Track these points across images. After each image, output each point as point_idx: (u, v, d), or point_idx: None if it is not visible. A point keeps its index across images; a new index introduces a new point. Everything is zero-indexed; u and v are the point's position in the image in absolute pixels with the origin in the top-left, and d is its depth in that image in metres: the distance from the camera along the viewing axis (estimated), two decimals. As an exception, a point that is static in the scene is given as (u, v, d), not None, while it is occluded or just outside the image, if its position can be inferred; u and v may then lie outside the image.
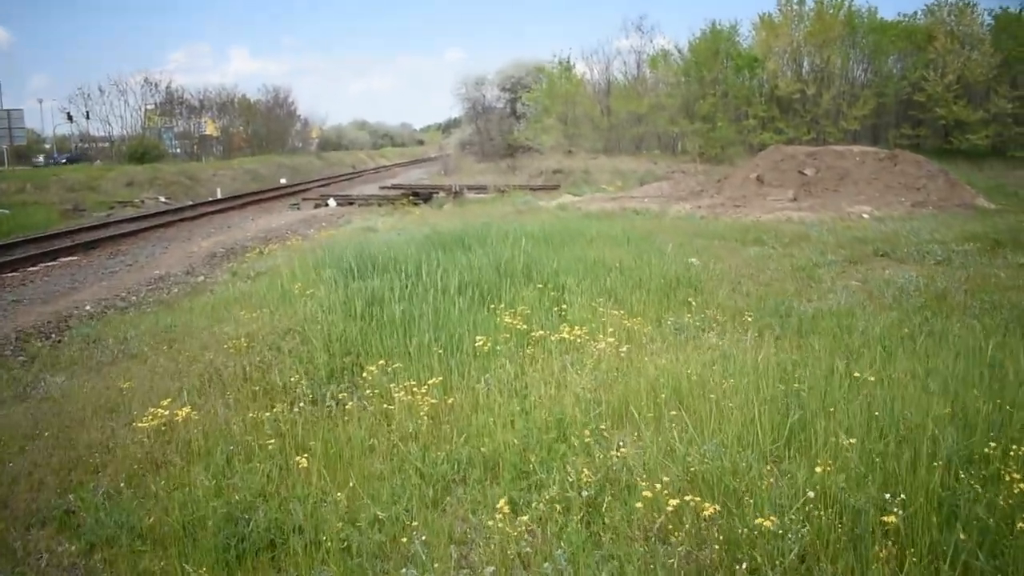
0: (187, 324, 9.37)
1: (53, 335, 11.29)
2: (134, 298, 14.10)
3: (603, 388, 5.43)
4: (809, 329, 7.08)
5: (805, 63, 42.84)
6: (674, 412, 4.59)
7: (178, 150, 58.30)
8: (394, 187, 34.61)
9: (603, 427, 4.67)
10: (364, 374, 5.69)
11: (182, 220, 26.47)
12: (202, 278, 16.02)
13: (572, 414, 4.82)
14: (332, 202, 29.70)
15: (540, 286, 7.90)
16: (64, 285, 15.49)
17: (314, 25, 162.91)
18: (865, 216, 16.49)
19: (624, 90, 46.11)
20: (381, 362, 5.75)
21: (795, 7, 42.79)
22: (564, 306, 7.28)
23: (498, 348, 6.06)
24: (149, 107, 57.90)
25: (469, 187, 31.39)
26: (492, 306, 7.25)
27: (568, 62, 46.24)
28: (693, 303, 7.53)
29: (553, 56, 48.33)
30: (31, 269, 17.27)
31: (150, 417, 5.13)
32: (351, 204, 29.28)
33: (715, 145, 40.70)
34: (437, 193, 29.69)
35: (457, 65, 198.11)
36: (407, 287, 7.89)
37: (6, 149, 49.65)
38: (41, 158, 54.48)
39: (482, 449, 4.50)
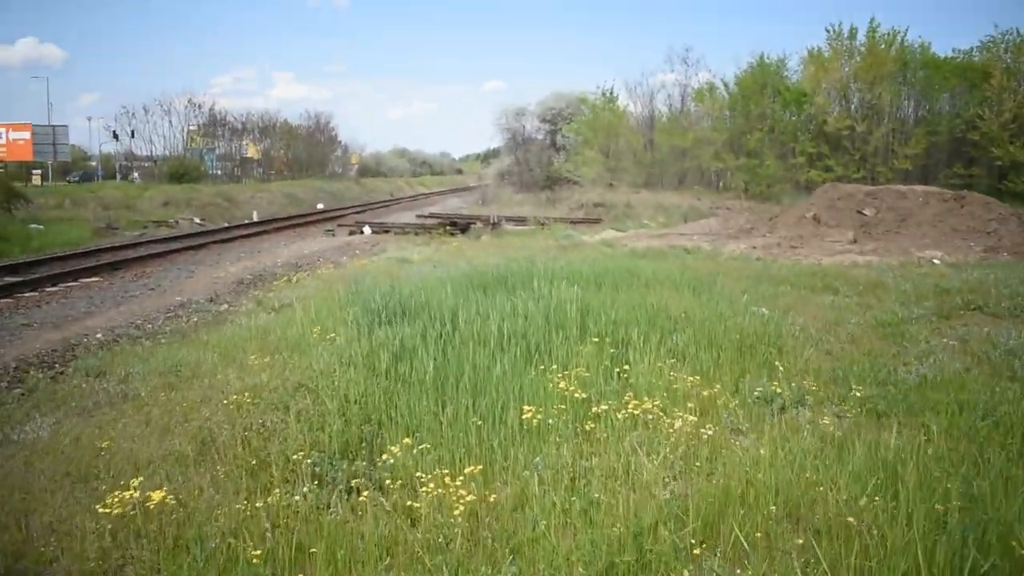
0: (196, 363, 8.41)
1: (57, 365, 10.53)
2: (150, 326, 13.25)
3: (683, 479, 4.31)
4: (918, 404, 5.89)
5: (855, 99, 41.47)
6: (798, 539, 3.43)
7: (219, 172, 58.25)
8: (431, 216, 33.78)
9: (694, 545, 3.52)
10: (384, 456, 4.57)
11: (214, 242, 25.80)
12: (225, 307, 15.16)
13: (651, 523, 3.69)
14: (367, 229, 28.90)
15: (596, 340, 6.77)
16: (80, 309, 14.71)
17: (357, 51, 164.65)
18: (936, 262, 15.20)
19: (668, 123, 45.00)
20: (406, 440, 4.62)
21: (845, 42, 41.52)
22: (627, 366, 6.16)
23: (550, 422, 4.96)
24: (192, 128, 58.08)
25: (508, 218, 30.44)
26: (542, 366, 6.12)
27: (612, 93, 45.30)
28: (780, 367, 6.35)
29: (597, 87, 47.56)
30: (50, 289, 16.59)
31: (116, 501, 4.08)
32: (386, 232, 28.45)
33: (761, 182, 39.39)
34: (475, 223, 28.77)
35: (496, 95, 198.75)
36: (441, 337, 6.84)
37: (51, 164, 49.82)
38: (77, 175, 54.39)
39: (535, 578, 3.38)
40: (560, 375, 5.64)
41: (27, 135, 47.99)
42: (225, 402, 5.84)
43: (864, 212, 20.26)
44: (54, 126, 50.08)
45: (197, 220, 35.37)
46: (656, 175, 44.18)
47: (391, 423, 5.19)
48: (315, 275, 17.16)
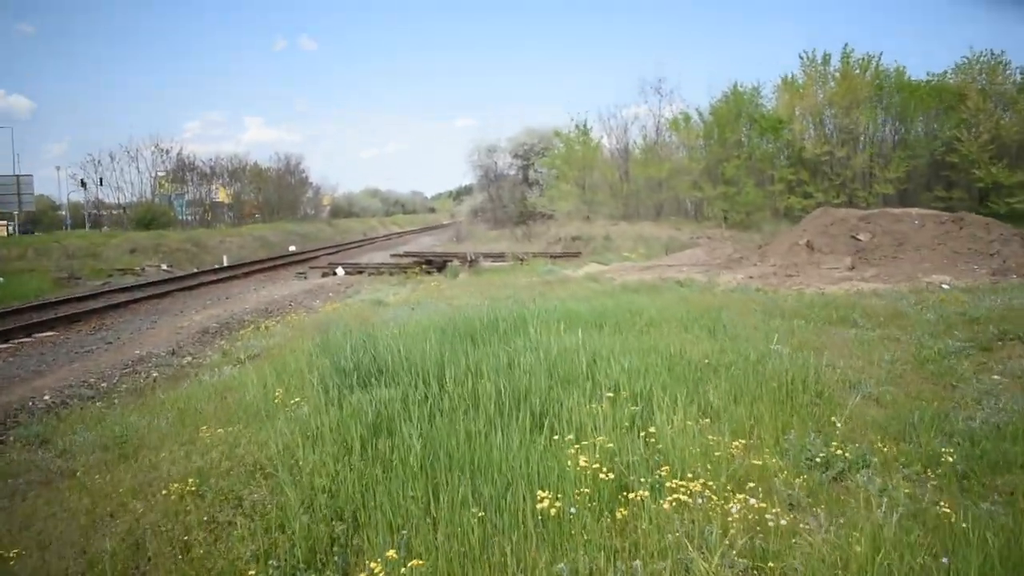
0: (145, 432, 7.35)
1: (-2, 433, 9.41)
2: (104, 385, 12.15)
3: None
4: (1000, 461, 4.91)
5: (831, 125, 41.04)
6: None
7: (189, 217, 56.97)
8: (406, 255, 32.77)
9: None
10: (362, 574, 3.45)
11: (180, 290, 24.60)
12: (188, 359, 14.06)
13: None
14: (340, 271, 27.84)
15: (611, 394, 5.72)
16: (29, 368, 13.55)
17: (327, 94, 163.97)
18: (946, 287, 14.36)
19: (643, 154, 44.33)
20: (391, 554, 3.50)
21: (819, 68, 41.18)
22: (652, 429, 5.08)
23: (572, 512, 3.89)
24: (160, 174, 56.87)
25: (485, 255, 29.50)
26: (555, 436, 4.93)
27: (585, 126, 44.61)
28: (837, 424, 5.32)
29: (571, 119, 46.81)
30: (0, 346, 15.36)
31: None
32: (360, 273, 27.39)
33: (740, 210, 38.72)
34: (451, 261, 27.78)
35: (467, 133, 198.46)
36: (427, 400, 5.69)
37: (16, 215, 48.18)
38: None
39: None
40: (576, 446, 4.57)
41: (-12, 186, 46.37)
42: (165, 492, 4.72)
43: (859, 237, 19.49)
44: (18, 176, 48.51)
45: (164, 267, 34.14)
46: (633, 207, 43.46)
47: (369, 519, 4.08)
48: (285, 322, 16.08)
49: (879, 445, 5.09)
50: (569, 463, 4.31)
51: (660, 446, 4.77)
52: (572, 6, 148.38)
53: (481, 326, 8.05)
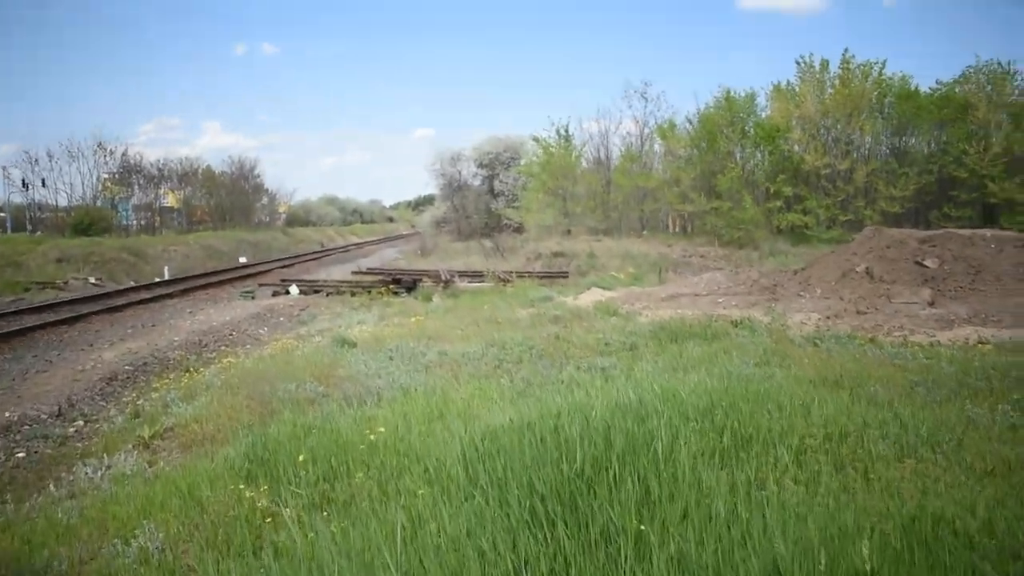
0: None
1: None
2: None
3: None
4: None
5: (829, 136, 37.91)
6: None
7: (134, 222, 52.26)
8: (370, 271, 28.84)
9: None
10: None
11: (100, 311, 20.23)
12: (77, 426, 10.22)
13: None
14: (294, 289, 23.84)
15: None
16: None
17: (287, 101, 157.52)
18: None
19: (627, 162, 40.70)
20: None
21: (817, 74, 38.07)
22: None
23: None
24: (105, 176, 52.12)
25: (460, 273, 25.67)
26: None
27: (567, 131, 40.87)
28: None
29: (552, 124, 42.99)
30: None
31: None
32: (317, 292, 23.42)
33: (737, 226, 35.15)
34: (422, 281, 23.94)
35: (426, 143, 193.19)
36: None
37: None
38: None
39: None
40: None
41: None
42: None
43: (925, 263, 16.09)
44: (-63, 175, 43.84)
45: (92, 280, 29.69)
46: (615, 220, 39.85)
47: None
48: (220, 366, 12.19)
49: None
50: None
51: None
52: (541, 19, 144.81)
53: (569, 467, 3.90)
